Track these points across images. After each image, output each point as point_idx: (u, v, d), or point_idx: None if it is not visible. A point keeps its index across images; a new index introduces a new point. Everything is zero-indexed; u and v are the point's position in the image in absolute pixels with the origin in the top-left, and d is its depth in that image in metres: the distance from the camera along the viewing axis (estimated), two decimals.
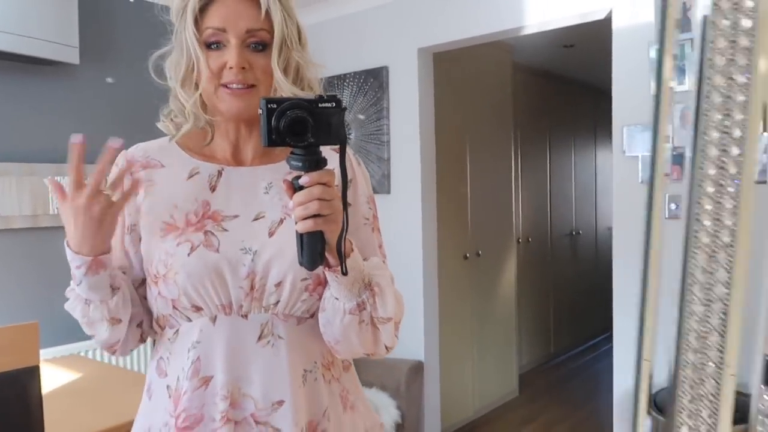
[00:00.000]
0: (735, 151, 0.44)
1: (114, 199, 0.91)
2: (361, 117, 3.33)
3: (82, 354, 2.68)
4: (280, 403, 0.94)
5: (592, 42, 3.66)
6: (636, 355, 0.52)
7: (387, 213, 3.12)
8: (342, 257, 0.86)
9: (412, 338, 3.16)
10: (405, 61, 3.20)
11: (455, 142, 3.71)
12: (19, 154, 2.66)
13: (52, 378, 2.14)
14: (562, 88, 5.31)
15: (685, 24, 2.24)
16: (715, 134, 0.44)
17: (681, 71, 2.33)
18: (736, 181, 0.44)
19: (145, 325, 1.04)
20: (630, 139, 2.58)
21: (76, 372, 2.31)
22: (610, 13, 2.58)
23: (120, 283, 0.97)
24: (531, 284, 4.81)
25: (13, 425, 1.40)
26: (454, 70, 3.58)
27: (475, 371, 3.88)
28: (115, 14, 2.98)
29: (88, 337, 2.81)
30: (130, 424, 1.77)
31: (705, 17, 0.42)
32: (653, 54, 2.64)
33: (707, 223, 0.45)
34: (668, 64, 0.43)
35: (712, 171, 0.45)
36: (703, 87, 0.43)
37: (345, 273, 0.88)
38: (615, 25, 2.56)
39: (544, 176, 5.13)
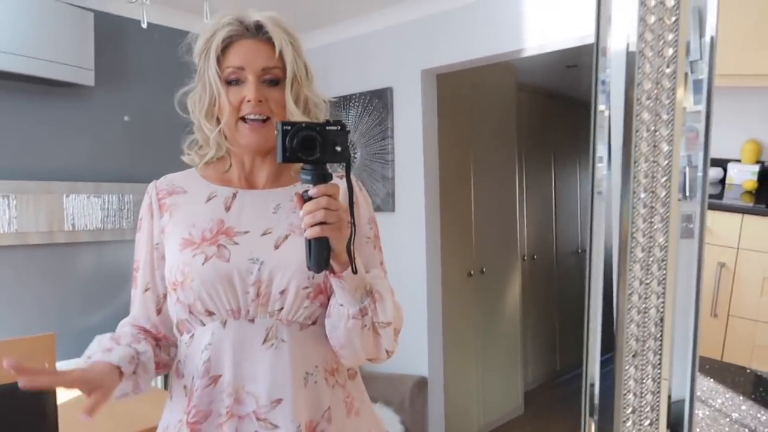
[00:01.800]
0: (662, 178, 0.51)
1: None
2: (358, 142, 3.42)
3: None
4: (279, 401, 1.04)
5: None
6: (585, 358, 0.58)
7: (391, 231, 3.19)
8: (352, 258, 0.98)
9: (416, 354, 3.21)
10: (409, 82, 3.29)
11: (459, 161, 3.77)
12: (37, 172, 2.76)
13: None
14: (566, 107, 5.38)
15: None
16: (644, 164, 0.50)
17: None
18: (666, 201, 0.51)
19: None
20: (612, 158, 2.63)
21: None
22: None
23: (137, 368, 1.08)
24: (536, 302, 4.84)
25: None
26: (458, 90, 3.66)
27: (479, 388, 3.91)
28: (129, 38, 3.09)
29: None
30: None
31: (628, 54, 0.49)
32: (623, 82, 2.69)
33: (641, 239, 0.52)
34: (599, 95, 0.50)
35: (643, 195, 0.51)
36: (633, 122, 0.50)
37: (355, 271, 0.99)
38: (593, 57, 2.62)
39: (549, 194, 5.18)
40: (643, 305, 0.52)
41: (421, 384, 3.10)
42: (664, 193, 0.51)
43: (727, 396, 1.06)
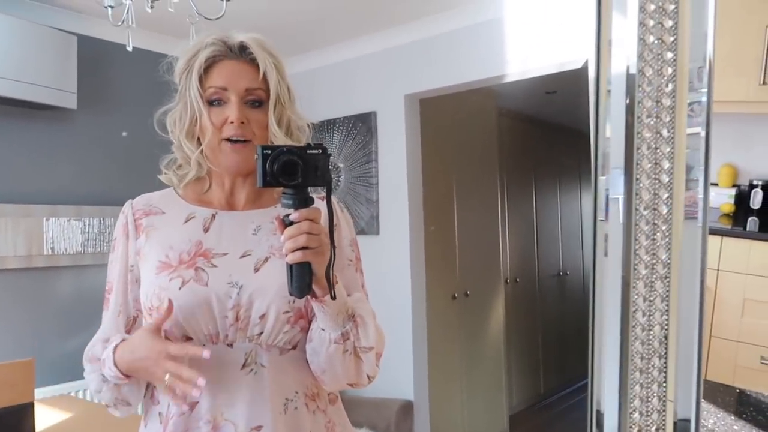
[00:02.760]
0: (665, 194, 0.51)
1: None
2: (341, 165, 3.42)
3: (73, 394, 2.69)
4: (258, 428, 1.01)
5: (573, 88, 3.79)
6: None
7: (376, 253, 3.18)
8: (330, 283, 0.96)
9: (401, 377, 3.18)
10: (392, 106, 3.31)
11: (442, 185, 3.80)
12: (16, 195, 2.72)
13: (44, 417, 2.14)
14: (546, 133, 5.46)
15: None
16: (646, 180, 0.51)
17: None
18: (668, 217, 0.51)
19: None
20: (611, 182, 2.67)
21: (66, 412, 2.31)
22: (586, 62, 2.70)
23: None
24: (520, 324, 4.84)
25: None
26: (441, 115, 3.70)
27: (465, 411, 3.89)
28: (113, 61, 3.08)
29: (80, 377, 2.81)
30: None
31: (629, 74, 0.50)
32: (626, 102, 2.76)
33: (645, 257, 0.52)
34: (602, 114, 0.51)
35: (646, 212, 0.51)
36: (634, 140, 0.51)
37: (334, 297, 0.97)
38: (590, 74, 2.68)
39: (530, 218, 5.22)
40: (648, 322, 0.52)
41: (407, 408, 3.07)
42: (666, 210, 0.51)
43: (718, 416, 1.06)
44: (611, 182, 0.58)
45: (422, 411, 3.26)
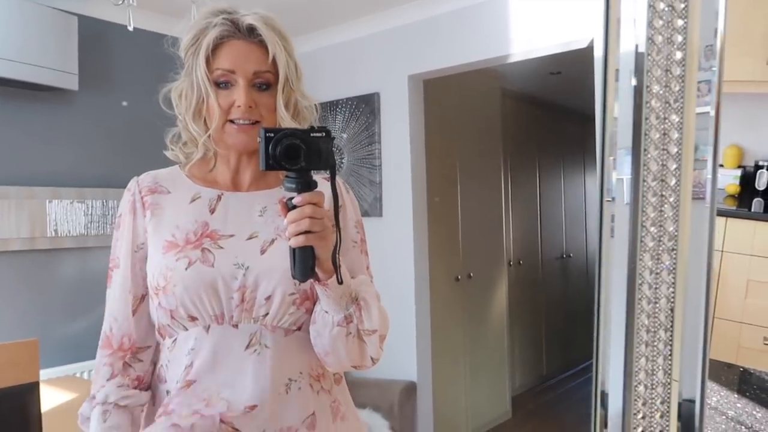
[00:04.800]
0: (673, 165, 0.50)
1: None
2: (344, 147, 3.41)
3: (78, 375, 2.70)
4: (253, 407, 1.00)
5: (578, 69, 3.76)
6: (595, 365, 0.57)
7: (379, 235, 3.17)
8: (337, 267, 0.96)
9: (404, 359, 3.19)
10: (396, 87, 3.29)
11: (446, 166, 3.78)
12: (19, 177, 2.71)
13: (49, 398, 2.16)
14: (550, 114, 5.42)
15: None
16: (654, 151, 0.50)
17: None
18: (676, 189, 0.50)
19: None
20: (617, 162, 2.65)
21: (72, 392, 2.33)
22: (592, 41, 2.68)
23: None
24: (523, 307, 4.85)
25: None
26: (445, 96, 3.67)
27: (468, 392, 3.91)
28: (114, 42, 3.06)
29: (84, 359, 2.83)
30: None
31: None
32: (634, 82, 2.74)
33: (652, 228, 0.51)
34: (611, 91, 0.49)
35: (654, 183, 0.51)
36: (642, 121, 0.50)
37: (340, 282, 0.97)
38: (597, 53, 2.65)
39: (533, 200, 5.21)
40: (654, 295, 0.52)
41: (410, 389, 3.08)
42: (674, 182, 0.50)
43: (721, 394, 1.06)
44: (618, 162, 0.57)
45: (425, 392, 3.27)
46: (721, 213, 2.77)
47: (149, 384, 1.11)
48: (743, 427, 0.99)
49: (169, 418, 1.00)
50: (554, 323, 5.32)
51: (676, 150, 0.50)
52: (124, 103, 3.06)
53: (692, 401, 0.54)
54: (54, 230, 2.78)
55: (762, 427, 0.98)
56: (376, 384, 2.98)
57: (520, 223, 4.91)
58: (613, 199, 0.58)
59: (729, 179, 3.11)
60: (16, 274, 2.70)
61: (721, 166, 3.22)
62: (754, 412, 1.01)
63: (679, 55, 0.49)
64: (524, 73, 4.36)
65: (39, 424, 1.48)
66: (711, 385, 1.11)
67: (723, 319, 2.75)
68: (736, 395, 1.07)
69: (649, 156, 0.51)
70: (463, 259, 3.93)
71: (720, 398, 1.07)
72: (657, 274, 0.52)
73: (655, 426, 0.52)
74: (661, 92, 0.50)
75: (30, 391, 1.46)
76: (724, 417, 1.02)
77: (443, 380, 3.56)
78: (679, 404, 0.54)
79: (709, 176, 0.52)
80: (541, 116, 5.31)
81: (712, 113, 0.52)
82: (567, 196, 5.71)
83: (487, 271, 4.19)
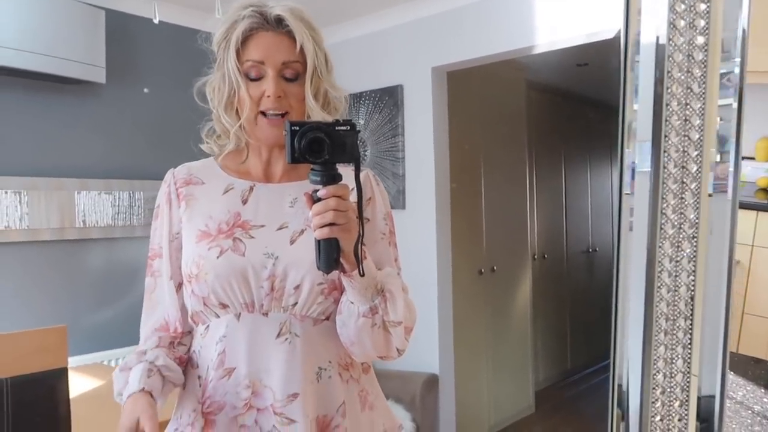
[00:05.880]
0: (694, 153, 0.49)
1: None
2: (367, 139, 3.41)
3: (105, 363, 2.76)
4: (295, 395, 1.03)
5: (604, 60, 3.71)
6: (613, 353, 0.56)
7: (402, 228, 3.16)
8: (359, 260, 0.97)
9: (426, 351, 3.20)
10: (419, 79, 3.28)
11: (470, 159, 3.76)
12: (48, 169, 2.77)
13: (77, 384, 2.21)
14: (577, 106, 5.36)
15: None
16: (675, 138, 0.49)
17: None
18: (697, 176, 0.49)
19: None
20: (641, 155, 2.61)
21: (99, 379, 2.38)
22: (619, 32, 2.63)
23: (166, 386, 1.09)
24: (547, 301, 4.82)
25: (42, 425, 1.47)
26: (468, 88, 3.65)
27: (490, 386, 3.89)
28: (140, 35, 3.10)
29: (112, 347, 2.88)
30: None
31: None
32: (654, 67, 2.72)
33: (672, 216, 0.51)
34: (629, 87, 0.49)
35: (674, 170, 0.50)
36: (663, 113, 0.49)
37: (362, 274, 0.98)
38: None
39: (559, 193, 5.15)
40: (674, 283, 0.51)
41: (432, 381, 3.09)
42: (695, 168, 0.49)
43: (748, 389, 1.04)
44: (638, 150, 0.57)
45: (447, 385, 3.27)
46: (752, 207, 2.71)
47: (185, 363, 1.15)
48: None
49: (225, 413, 1.04)
50: (579, 318, 5.27)
51: (697, 136, 0.49)
52: (146, 90, 3.09)
53: (712, 396, 0.54)
54: (82, 221, 2.83)
55: None
56: (398, 376, 2.99)
57: (545, 216, 4.86)
58: (632, 192, 0.57)
59: (760, 172, 3.04)
60: (46, 264, 2.76)
61: (753, 159, 3.15)
62: None
63: (701, 40, 0.48)
64: (550, 65, 4.31)
65: (67, 409, 1.51)
66: (737, 380, 1.09)
67: (753, 315, 2.69)
68: (763, 390, 1.05)
69: (669, 142, 0.50)
70: (487, 253, 3.91)
71: (746, 393, 1.05)
72: (677, 261, 0.51)
73: (673, 414, 0.52)
74: (682, 78, 0.49)
75: (59, 377, 1.49)
76: (750, 412, 1.00)
77: (465, 373, 3.55)
78: (698, 398, 0.53)
79: (731, 169, 0.51)
80: (567, 108, 5.24)
81: (735, 105, 0.51)
82: (593, 190, 5.64)
83: (511, 265, 4.16)
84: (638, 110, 0.54)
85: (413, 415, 2.94)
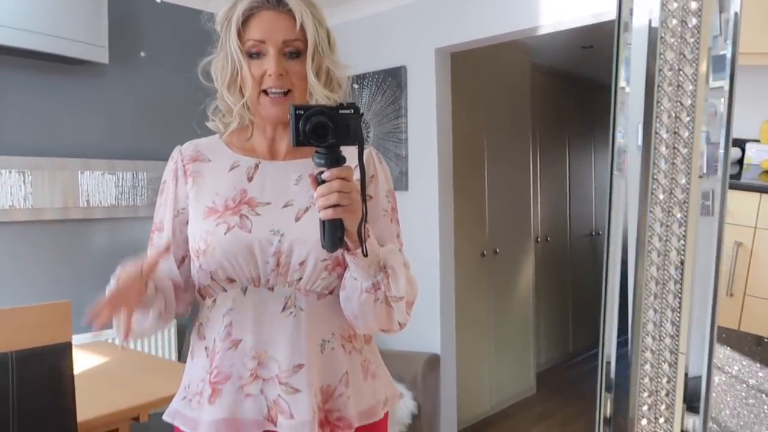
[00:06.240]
0: (686, 118, 0.50)
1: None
2: (370, 120, 3.41)
3: (109, 341, 2.79)
4: (300, 366, 1.08)
5: (610, 42, 3.68)
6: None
7: (404, 209, 3.17)
8: (362, 240, 1.00)
9: (428, 332, 3.22)
10: (423, 61, 3.26)
11: (473, 141, 3.75)
12: (52, 149, 2.78)
13: (81, 361, 2.24)
14: (581, 89, 5.33)
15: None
16: (667, 103, 0.50)
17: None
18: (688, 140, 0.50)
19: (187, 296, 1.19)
20: (628, 132, 2.60)
21: (103, 356, 2.41)
22: None
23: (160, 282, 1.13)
24: (549, 284, 4.83)
25: (47, 398, 1.49)
26: (473, 70, 3.63)
27: (492, 367, 3.92)
28: (143, 15, 3.09)
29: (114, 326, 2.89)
30: (156, 402, 1.87)
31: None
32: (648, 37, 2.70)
33: (663, 181, 0.51)
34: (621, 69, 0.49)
35: (665, 135, 0.50)
36: (657, 62, 0.49)
37: (366, 254, 1.01)
38: (634, 23, 2.59)
39: (563, 176, 5.14)
40: (664, 248, 0.52)
41: (434, 361, 3.11)
42: (687, 134, 0.50)
43: (744, 363, 1.05)
44: (630, 114, 0.57)
45: (449, 365, 3.29)
46: (756, 189, 2.70)
47: (179, 310, 1.17)
48: (764, 394, 0.98)
49: (232, 383, 1.08)
50: (581, 301, 5.28)
51: (690, 102, 0.49)
52: (142, 54, 3.08)
53: (698, 378, 0.54)
54: (86, 201, 2.85)
55: None
56: (400, 355, 3.02)
57: (549, 199, 4.86)
58: (620, 170, 0.57)
59: (765, 154, 3.03)
60: (50, 243, 2.78)
61: (757, 141, 3.14)
62: None
63: (694, 5, 0.49)
64: (554, 47, 4.28)
65: (72, 383, 1.53)
66: (733, 355, 1.10)
67: (754, 297, 2.70)
68: (758, 364, 1.06)
69: (662, 108, 0.50)
70: (489, 235, 3.92)
71: (741, 367, 1.06)
72: (668, 226, 0.51)
73: (661, 375, 0.53)
74: (675, 43, 0.50)
75: (63, 351, 1.51)
76: (744, 385, 1.01)
77: (467, 354, 3.57)
78: (687, 376, 0.54)
79: (722, 150, 0.51)
80: (572, 91, 5.21)
81: (726, 87, 0.51)
82: (597, 173, 5.63)
83: (514, 248, 4.17)
84: (630, 92, 0.55)
85: (414, 394, 2.97)
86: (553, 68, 4.89)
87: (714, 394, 1.01)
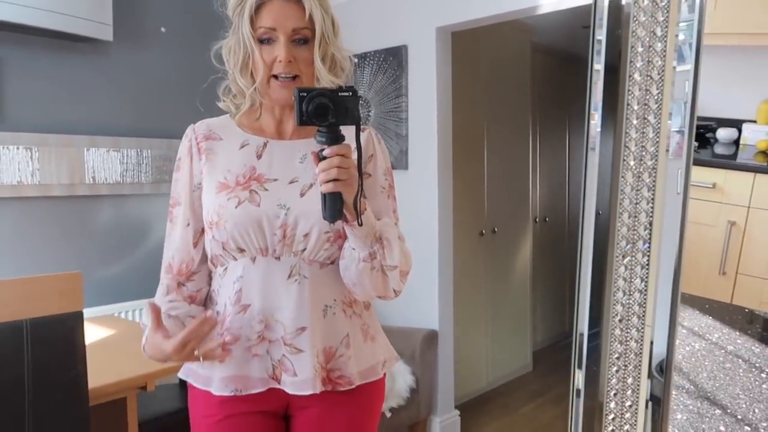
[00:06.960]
0: (655, 90, 0.55)
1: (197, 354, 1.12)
2: (371, 100, 3.44)
3: (116, 315, 2.85)
4: (303, 329, 1.18)
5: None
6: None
7: (404, 188, 3.22)
8: (358, 212, 1.09)
9: (427, 308, 3.28)
10: (424, 40, 3.29)
11: (473, 121, 3.79)
12: (58, 125, 2.82)
13: (90, 333, 2.30)
14: (582, 70, 5.32)
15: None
16: (638, 77, 0.54)
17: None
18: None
19: None
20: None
21: (111, 329, 2.47)
22: None
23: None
24: (547, 264, 4.89)
25: (61, 364, 1.55)
26: (473, 49, 3.66)
27: (489, 344, 3.99)
28: None
29: (121, 300, 2.97)
30: (162, 371, 1.93)
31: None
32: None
33: (633, 149, 0.56)
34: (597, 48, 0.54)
35: (636, 107, 0.55)
36: (630, 39, 0.54)
37: (360, 224, 1.10)
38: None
39: (562, 157, 5.18)
40: (634, 209, 0.56)
41: (432, 337, 3.18)
42: (655, 106, 0.54)
43: (723, 331, 1.11)
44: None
45: (446, 341, 3.36)
46: (750, 169, 2.73)
47: (202, 302, 1.28)
48: (740, 359, 1.04)
49: (241, 344, 1.19)
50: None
51: (658, 77, 0.54)
52: (163, 29, 3.13)
53: (666, 357, 0.59)
54: (92, 177, 2.90)
55: (759, 360, 1.03)
56: (399, 331, 3.08)
57: (548, 180, 4.90)
58: (594, 148, 0.62)
59: (761, 135, 3.05)
60: (57, 220, 2.84)
61: (754, 122, 3.16)
62: (753, 348, 1.05)
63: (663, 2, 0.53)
64: (555, 27, 4.29)
65: (83, 350, 1.59)
66: (713, 323, 1.16)
67: (746, 275, 2.74)
68: (737, 332, 1.12)
69: (633, 80, 0.55)
70: (488, 215, 3.97)
71: (721, 335, 1.12)
72: (637, 191, 0.56)
73: (632, 329, 0.58)
74: (647, 22, 0.54)
75: (75, 320, 1.57)
76: (723, 351, 1.07)
77: (464, 331, 3.64)
78: (650, 345, 0.59)
79: (686, 130, 0.56)
80: (572, 71, 5.22)
81: (692, 68, 0.55)
82: None
83: (512, 228, 4.22)
84: (601, 70, 0.59)
85: (413, 369, 3.04)
86: (554, 48, 4.90)
87: (693, 359, 1.07)
